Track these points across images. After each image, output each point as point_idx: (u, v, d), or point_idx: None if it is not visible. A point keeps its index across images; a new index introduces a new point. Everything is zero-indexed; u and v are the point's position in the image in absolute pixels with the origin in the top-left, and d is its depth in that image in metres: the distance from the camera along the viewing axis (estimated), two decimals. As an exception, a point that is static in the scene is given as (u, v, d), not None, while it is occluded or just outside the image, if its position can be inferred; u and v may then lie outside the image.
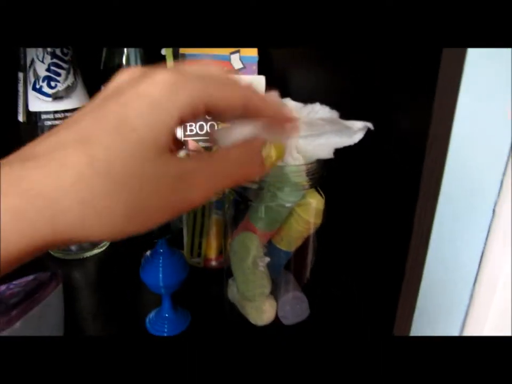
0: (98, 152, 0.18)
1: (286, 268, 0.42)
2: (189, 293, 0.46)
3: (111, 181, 0.18)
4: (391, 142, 0.38)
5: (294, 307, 0.41)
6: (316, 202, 0.38)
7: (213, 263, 0.50)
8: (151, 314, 0.43)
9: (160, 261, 0.39)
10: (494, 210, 0.50)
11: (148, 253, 0.40)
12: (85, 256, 0.54)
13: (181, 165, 0.20)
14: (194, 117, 0.21)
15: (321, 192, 0.38)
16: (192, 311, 0.44)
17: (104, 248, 0.56)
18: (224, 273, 0.43)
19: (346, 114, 0.29)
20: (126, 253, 0.54)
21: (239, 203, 0.39)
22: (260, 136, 0.25)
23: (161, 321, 0.42)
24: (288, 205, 0.37)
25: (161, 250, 0.39)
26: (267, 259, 0.38)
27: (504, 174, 0.50)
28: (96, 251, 0.55)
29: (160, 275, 0.39)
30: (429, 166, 0.35)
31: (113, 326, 0.43)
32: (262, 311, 0.40)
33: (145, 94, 0.19)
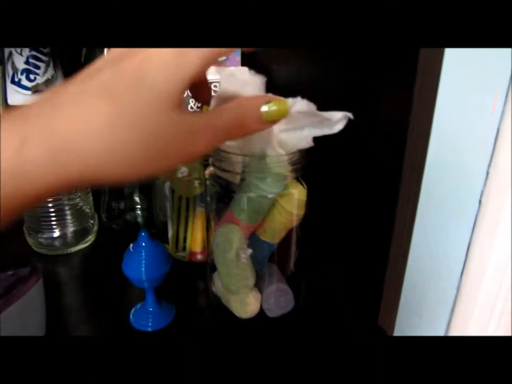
0: (123, 105, 0.21)
1: (270, 260, 0.42)
2: (174, 286, 0.46)
3: (134, 130, 0.21)
4: (374, 131, 0.38)
5: (279, 299, 0.41)
6: (298, 193, 0.38)
7: (198, 256, 0.49)
8: (135, 309, 0.42)
9: (143, 254, 0.38)
10: (480, 201, 0.51)
11: (130, 246, 0.39)
12: (69, 252, 0.54)
13: (190, 118, 0.23)
14: (200, 81, 0.25)
15: (304, 183, 0.38)
16: (177, 304, 0.44)
17: (89, 243, 0.55)
18: (208, 266, 0.43)
19: (328, 106, 0.29)
20: (111, 248, 0.53)
21: (222, 195, 0.39)
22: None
23: (146, 316, 0.41)
24: (270, 196, 0.37)
25: (144, 244, 0.39)
26: (250, 251, 0.38)
27: (489, 164, 0.50)
28: (80, 246, 0.54)
29: (143, 269, 0.38)
30: (411, 154, 0.35)
31: (97, 321, 0.43)
32: (246, 304, 0.40)
33: (159, 55, 0.22)
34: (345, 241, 0.43)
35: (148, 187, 0.50)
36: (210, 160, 0.38)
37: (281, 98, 0.27)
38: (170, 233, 0.49)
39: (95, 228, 0.56)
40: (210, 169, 0.38)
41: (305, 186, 0.39)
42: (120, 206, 0.56)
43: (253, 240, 0.40)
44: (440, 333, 0.57)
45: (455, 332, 0.57)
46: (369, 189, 0.39)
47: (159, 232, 0.51)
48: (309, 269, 0.44)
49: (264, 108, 0.25)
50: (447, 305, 0.57)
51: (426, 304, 0.56)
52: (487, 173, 0.53)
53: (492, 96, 0.45)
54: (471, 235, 0.55)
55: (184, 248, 0.49)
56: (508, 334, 0.55)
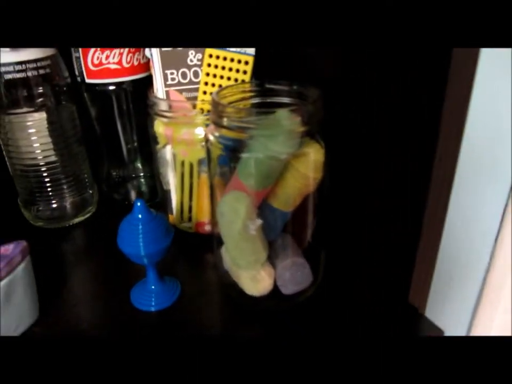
0: None
1: (284, 230, 0.37)
2: (179, 260, 0.42)
3: None
4: (408, 84, 0.32)
5: (294, 274, 0.36)
6: (314, 153, 0.32)
7: (206, 227, 0.45)
8: (136, 287, 0.38)
9: (140, 227, 0.34)
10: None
11: (125, 218, 0.35)
12: (69, 224, 0.50)
13: None
14: None
15: (321, 141, 0.33)
16: (183, 280, 0.40)
17: (89, 215, 0.51)
18: (213, 239, 0.38)
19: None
20: (113, 219, 0.49)
21: (226, 158, 0.34)
22: None
23: (147, 294, 0.37)
24: (282, 157, 0.31)
25: (140, 216, 0.34)
26: (259, 221, 0.33)
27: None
28: (80, 218, 0.50)
29: (141, 243, 0.34)
30: (449, 115, 0.29)
31: (97, 301, 0.39)
32: (258, 280, 0.35)
33: None
34: (370, 209, 0.38)
35: (149, 152, 0.45)
36: (210, 117, 0.33)
37: None
38: (174, 202, 0.45)
39: (95, 198, 0.52)
40: (211, 127, 0.33)
41: (323, 145, 0.33)
42: (121, 174, 0.52)
43: (264, 208, 0.35)
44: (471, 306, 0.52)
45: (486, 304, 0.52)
46: (398, 149, 0.34)
47: (163, 201, 0.47)
48: (329, 240, 0.39)
49: None
50: (479, 274, 0.52)
51: (460, 275, 0.50)
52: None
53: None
54: (506, 202, 0.50)
55: (190, 219, 0.45)
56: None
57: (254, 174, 0.32)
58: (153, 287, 0.37)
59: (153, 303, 0.37)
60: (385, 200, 0.36)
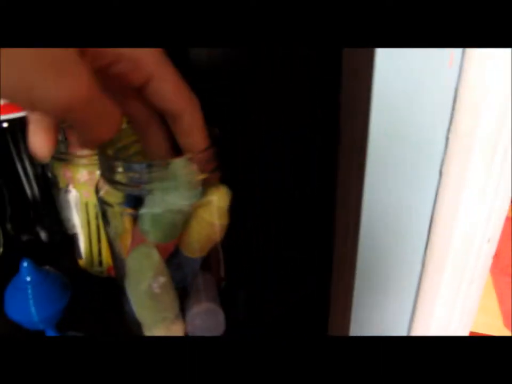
0: None
1: (203, 268, 0.35)
2: (89, 310, 0.39)
3: None
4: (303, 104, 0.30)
5: (206, 321, 0.34)
6: (218, 200, 0.30)
7: (119, 270, 0.42)
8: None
9: (29, 291, 0.31)
10: (440, 171, 0.44)
11: (11, 283, 0.31)
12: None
13: None
14: None
15: (224, 186, 0.30)
16: (96, 332, 0.37)
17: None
18: (122, 291, 0.35)
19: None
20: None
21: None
22: None
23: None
24: (184, 208, 0.29)
25: (28, 278, 0.31)
26: (162, 279, 0.31)
27: (449, 129, 0.43)
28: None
29: (32, 309, 0.31)
30: (348, 131, 0.28)
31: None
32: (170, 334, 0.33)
33: None
34: (282, 246, 0.37)
35: (51, 195, 0.42)
36: (99, 171, 0.30)
37: None
38: (82, 246, 0.42)
39: (0, 241, 0.48)
40: (99, 181, 0.30)
41: (227, 189, 0.31)
42: (27, 215, 0.48)
43: (174, 254, 0.33)
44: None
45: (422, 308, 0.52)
46: (302, 183, 0.32)
47: (68, 245, 0.43)
48: (244, 276, 0.37)
49: None
50: (413, 279, 0.52)
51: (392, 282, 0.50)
52: (446, 139, 0.47)
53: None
54: (433, 207, 0.50)
55: (100, 263, 0.42)
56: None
57: (156, 228, 0.29)
58: (55, 349, 0.34)
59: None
60: (293, 239, 0.35)
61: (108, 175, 0.29)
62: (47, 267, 0.32)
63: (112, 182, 0.29)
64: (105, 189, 0.30)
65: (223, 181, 0.31)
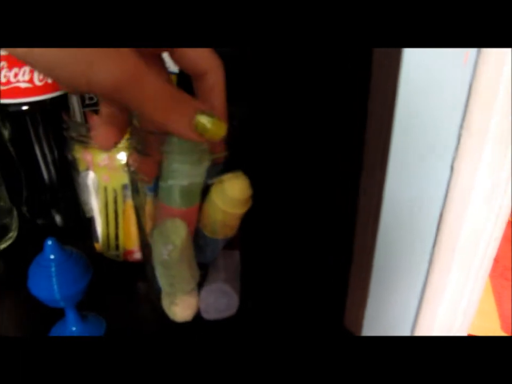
0: None
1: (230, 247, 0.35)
2: (105, 293, 0.39)
3: None
4: (330, 96, 0.31)
5: (219, 300, 0.35)
6: (230, 189, 0.30)
7: (135, 255, 0.42)
8: (54, 328, 0.35)
9: (53, 269, 0.31)
10: (452, 167, 0.44)
11: (35, 260, 0.32)
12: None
13: None
14: None
15: (242, 177, 0.30)
16: (110, 315, 0.37)
17: (9, 242, 0.47)
18: (145, 267, 0.36)
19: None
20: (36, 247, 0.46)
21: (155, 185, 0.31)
22: None
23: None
24: (193, 182, 0.29)
25: (52, 256, 0.31)
26: (170, 246, 0.31)
27: (461, 126, 0.43)
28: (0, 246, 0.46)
29: (55, 287, 0.31)
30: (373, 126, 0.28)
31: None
32: (176, 307, 0.34)
33: None
34: (302, 234, 0.37)
35: (69, 178, 0.42)
36: (130, 142, 0.30)
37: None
38: (99, 230, 0.42)
39: (15, 224, 0.48)
40: (131, 154, 0.31)
41: (246, 179, 0.31)
42: (43, 199, 0.48)
43: (196, 232, 0.33)
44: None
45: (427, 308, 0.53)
46: (325, 188, 0.33)
47: (87, 229, 0.43)
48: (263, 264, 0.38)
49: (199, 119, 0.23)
50: (420, 278, 0.52)
51: (398, 279, 0.51)
52: (458, 136, 0.47)
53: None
54: (443, 204, 0.50)
55: (117, 247, 0.42)
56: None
57: (174, 196, 0.30)
58: (74, 328, 0.35)
59: (75, 346, 0.34)
60: (316, 224, 0.35)
61: (140, 148, 0.30)
62: (70, 247, 0.32)
63: (141, 152, 0.29)
64: (138, 161, 0.30)
65: (243, 171, 0.31)
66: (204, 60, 0.26)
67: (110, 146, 0.25)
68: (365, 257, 0.33)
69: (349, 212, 0.30)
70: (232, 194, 0.29)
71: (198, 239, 0.33)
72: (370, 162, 0.28)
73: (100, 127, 0.25)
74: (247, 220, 0.33)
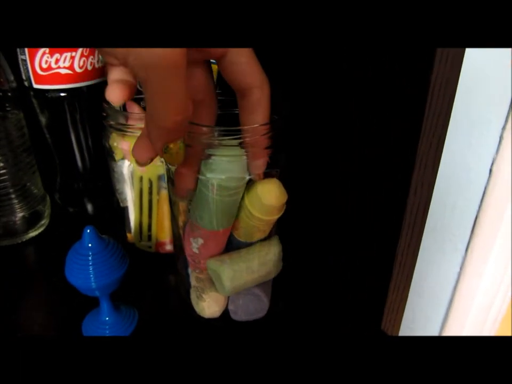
0: None
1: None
2: (137, 284, 0.39)
3: None
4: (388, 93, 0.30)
5: (248, 303, 0.34)
6: (263, 196, 0.28)
7: (167, 247, 0.42)
8: (88, 318, 0.35)
9: (90, 258, 0.31)
10: (491, 170, 0.43)
11: (73, 247, 0.31)
12: (20, 241, 0.46)
13: None
14: None
15: (277, 185, 0.29)
16: (142, 306, 0.37)
17: (42, 229, 0.47)
18: (176, 260, 0.35)
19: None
20: (68, 235, 0.46)
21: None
22: None
23: (101, 327, 0.34)
24: (212, 179, 0.28)
25: (90, 245, 0.31)
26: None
27: (504, 127, 0.42)
28: (32, 234, 0.46)
29: (91, 276, 0.31)
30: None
31: (44, 330, 0.36)
32: (203, 304, 0.33)
33: None
34: (343, 235, 0.36)
35: (107, 164, 0.42)
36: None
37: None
38: (132, 220, 0.42)
39: (48, 212, 0.48)
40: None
41: (281, 186, 0.30)
42: (76, 187, 0.48)
43: (230, 237, 0.32)
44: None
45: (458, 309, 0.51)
46: (373, 178, 0.32)
47: (120, 218, 0.43)
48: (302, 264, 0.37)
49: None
50: (451, 281, 0.51)
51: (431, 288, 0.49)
52: (500, 138, 0.45)
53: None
54: (479, 207, 0.49)
55: (149, 238, 0.42)
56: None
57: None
58: (107, 318, 0.34)
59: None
60: (359, 227, 0.34)
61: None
62: (107, 236, 0.32)
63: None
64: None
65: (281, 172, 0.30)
66: (251, 74, 0.26)
67: (145, 163, 0.25)
68: (408, 259, 0.32)
69: (397, 212, 0.29)
70: (267, 201, 0.28)
71: (228, 241, 0.32)
72: (423, 162, 0.27)
73: (137, 141, 0.25)
74: (283, 219, 0.32)
